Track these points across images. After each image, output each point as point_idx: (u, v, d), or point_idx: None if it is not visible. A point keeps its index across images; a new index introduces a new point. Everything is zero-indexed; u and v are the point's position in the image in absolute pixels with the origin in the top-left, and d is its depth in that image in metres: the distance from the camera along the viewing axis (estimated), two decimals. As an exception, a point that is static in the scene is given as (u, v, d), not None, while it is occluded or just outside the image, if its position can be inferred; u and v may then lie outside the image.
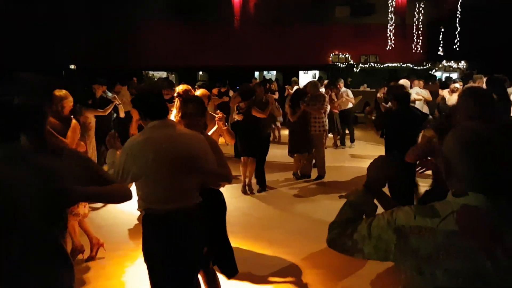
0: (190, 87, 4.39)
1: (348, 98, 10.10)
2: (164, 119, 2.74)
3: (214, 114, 4.44)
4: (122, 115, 8.27)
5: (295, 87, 11.06)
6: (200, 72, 19.81)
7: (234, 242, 3.91)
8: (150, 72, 17.83)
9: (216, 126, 4.22)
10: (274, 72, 21.34)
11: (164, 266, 2.65)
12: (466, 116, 2.74)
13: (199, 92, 4.49)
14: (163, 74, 18.61)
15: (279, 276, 4.08)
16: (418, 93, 9.58)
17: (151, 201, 2.65)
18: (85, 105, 7.12)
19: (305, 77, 18.92)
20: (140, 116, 2.80)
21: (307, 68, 20.03)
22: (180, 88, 4.23)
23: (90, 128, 7.15)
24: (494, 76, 6.58)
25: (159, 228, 2.64)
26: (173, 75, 18.16)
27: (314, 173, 7.63)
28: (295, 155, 7.50)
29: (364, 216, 1.59)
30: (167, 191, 2.64)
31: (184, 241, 2.65)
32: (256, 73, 20.83)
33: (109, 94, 8.15)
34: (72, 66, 17.28)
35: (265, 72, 21.43)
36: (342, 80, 10.46)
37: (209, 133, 4.00)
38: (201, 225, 2.77)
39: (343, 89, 10.12)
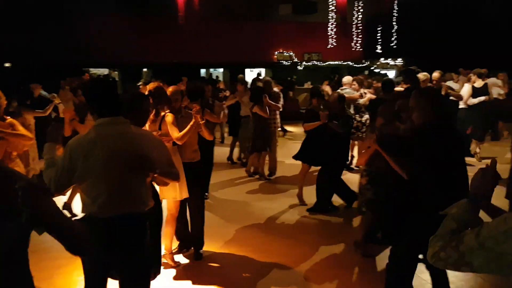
0: (161, 84, 4.22)
1: None
2: (116, 116, 2.57)
3: (189, 111, 4.22)
4: (62, 114, 7.93)
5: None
6: (145, 69, 19.31)
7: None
8: (91, 69, 17.10)
9: (193, 121, 3.95)
10: (221, 70, 21.25)
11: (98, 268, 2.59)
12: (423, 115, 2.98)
13: (170, 88, 4.25)
14: (105, 71, 17.96)
15: (238, 272, 4.10)
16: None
17: (99, 204, 2.46)
18: (24, 105, 6.74)
19: (251, 75, 19.04)
20: (90, 111, 2.71)
21: (253, 66, 20.15)
22: (151, 85, 4.08)
23: (30, 130, 6.76)
24: (408, 68, 6.94)
25: (102, 234, 2.43)
26: (116, 72, 17.55)
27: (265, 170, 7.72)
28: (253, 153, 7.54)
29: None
30: (118, 194, 2.50)
31: (126, 247, 2.53)
32: (203, 70, 20.64)
33: (45, 93, 7.78)
34: (7, 64, 16.27)
35: (211, 70, 21.28)
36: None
37: (186, 130, 3.93)
38: (146, 232, 2.65)
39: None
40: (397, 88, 7.03)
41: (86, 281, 2.63)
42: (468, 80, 9.14)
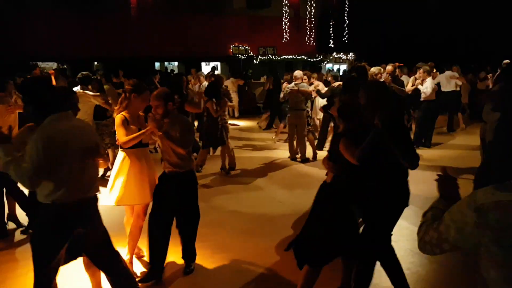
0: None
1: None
2: (67, 111, 2.87)
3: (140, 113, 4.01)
4: None
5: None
6: (95, 63, 18.70)
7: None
8: (40, 63, 16.34)
9: (146, 129, 3.67)
10: (176, 63, 20.96)
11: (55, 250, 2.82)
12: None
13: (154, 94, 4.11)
14: (53, 65, 17.22)
15: (198, 269, 4.12)
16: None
17: (69, 190, 2.75)
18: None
19: (207, 69, 18.95)
20: (36, 107, 2.82)
21: (208, 60, 20.02)
22: (131, 81, 3.94)
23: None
24: (358, 64, 7.25)
25: (66, 218, 2.78)
26: (65, 66, 16.86)
27: (218, 165, 7.74)
28: (201, 149, 7.54)
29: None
30: (80, 181, 2.83)
31: (83, 227, 2.89)
32: (157, 64, 20.27)
33: None
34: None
35: (166, 63, 20.94)
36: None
37: (134, 135, 3.70)
38: (98, 214, 3.05)
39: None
40: None
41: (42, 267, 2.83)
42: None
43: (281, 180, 7.22)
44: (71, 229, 2.82)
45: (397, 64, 9.03)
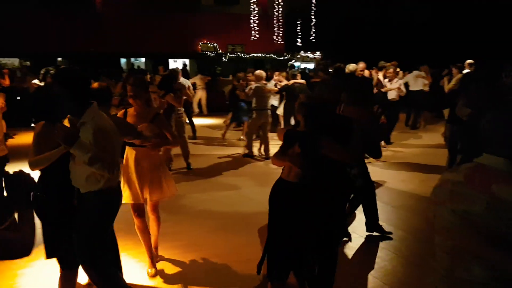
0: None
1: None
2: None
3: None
4: None
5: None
6: (59, 59, 18.15)
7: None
8: (1, 60, 15.73)
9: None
10: (143, 60, 20.62)
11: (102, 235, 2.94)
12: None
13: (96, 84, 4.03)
14: (15, 61, 16.64)
15: (170, 268, 4.12)
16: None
17: (115, 176, 2.86)
18: None
19: (175, 65, 18.78)
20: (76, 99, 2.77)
21: (176, 56, 19.82)
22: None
23: None
24: (338, 65, 7.48)
25: (113, 202, 2.98)
26: (27, 63, 16.32)
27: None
28: None
29: None
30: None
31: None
32: (123, 60, 19.90)
33: None
34: None
35: (132, 59, 20.57)
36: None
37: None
38: None
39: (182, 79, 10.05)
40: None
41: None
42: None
43: (252, 177, 7.28)
44: (115, 214, 3.00)
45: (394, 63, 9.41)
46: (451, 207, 1.64)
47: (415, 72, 11.29)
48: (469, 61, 9.25)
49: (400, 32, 15.56)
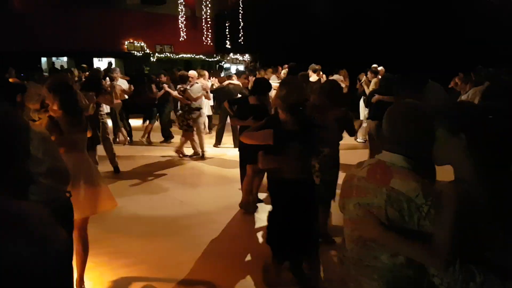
0: None
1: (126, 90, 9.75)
2: None
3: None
4: None
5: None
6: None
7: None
8: None
9: None
10: (65, 59, 19.51)
11: None
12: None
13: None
14: None
15: (95, 278, 3.94)
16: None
17: None
18: None
19: (100, 65, 18.02)
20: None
21: (101, 55, 19.01)
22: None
23: None
24: (293, 64, 7.78)
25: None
26: None
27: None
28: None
29: None
30: None
31: None
32: (43, 59, 18.71)
33: None
34: None
35: (53, 59, 19.39)
36: (118, 70, 10.02)
37: None
38: None
39: (120, 80, 9.71)
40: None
41: None
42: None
43: (182, 179, 7.16)
44: None
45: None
46: (356, 200, 1.79)
47: (336, 76, 11.79)
48: (380, 67, 10.17)
49: (321, 37, 16.19)
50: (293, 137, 3.18)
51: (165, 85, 9.31)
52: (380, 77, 9.94)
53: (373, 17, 15.07)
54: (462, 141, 1.53)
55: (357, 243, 1.79)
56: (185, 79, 8.33)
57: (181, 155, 8.51)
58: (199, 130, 8.47)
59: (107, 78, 9.30)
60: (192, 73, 8.69)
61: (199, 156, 8.49)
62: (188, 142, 8.44)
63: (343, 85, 11.70)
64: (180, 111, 8.38)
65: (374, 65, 10.26)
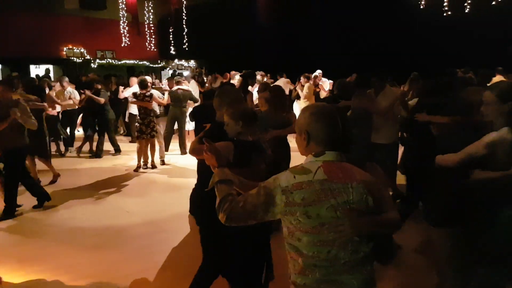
0: None
1: (73, 99, 9.53)
2: None
3: None
4: None
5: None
6: None
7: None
8: None
9: None
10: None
11: None
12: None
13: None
14: None
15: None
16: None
17: None
18: None
19: (38, 72, 17.17)
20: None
21: (38, 62, 18.11)
22: None
23: None
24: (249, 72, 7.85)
25: None
26: None
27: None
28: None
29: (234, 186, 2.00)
30: None
31: None
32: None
33: None
34: None
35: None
36: (67, 78, 9.77)
37: None
38: None
39: (69, 89, 9.49)
40: None
41: None
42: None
43: (129, 189, 6.96)
44: None
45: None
46: (328, 203, 1.77)
47: (283, 80, 12.05)
48: (318, 71, 10.94)
49: (264, 44, 16.48)
50: (253, 148, 3.02)
51: (87, 91, 8.89)
52: (311, 82, 10.49)
53: (316, 23, 15.51)
54: (507, 108, 2.56)
55: (332, 245, 1.79)
56: (91, 85, 8.42)
57: (145, 166, 8.13)
58: (160, 135, 8.33)
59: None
60: (148, 78, 8.56)
61: (155, 166, 8.23)
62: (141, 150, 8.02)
63: (291, 87, 11.98)
64: (139, 119, 7.86)
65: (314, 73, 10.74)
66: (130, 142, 10.68)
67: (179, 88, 9.15)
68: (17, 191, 5.66)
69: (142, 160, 8.02)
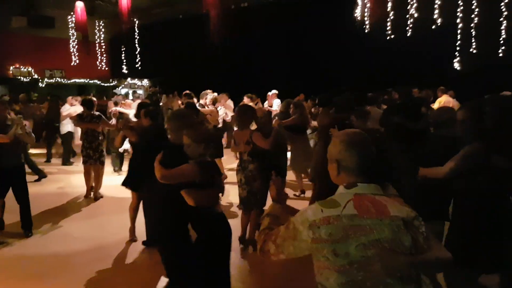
0: None
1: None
2: None
3: None
4: None
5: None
6: None
7: None
8: None
9: None
10: None
11: None
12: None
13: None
14: None
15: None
16: None
17: None
18: None
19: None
20: None
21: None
22: None
23: None
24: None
25: None
26: None
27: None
28: None
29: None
30: None
31: None
32: None
33: None
34: None
35: None
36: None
37: None
38: None
39: None
40: None
41: None
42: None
43: (76, 213, 6.70)
44: None
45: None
46: (358, 241, 1.62)
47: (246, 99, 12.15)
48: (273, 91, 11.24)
49: (217, 63, 16.62)
50: (214, 169, 3.13)
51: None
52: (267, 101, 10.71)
53: (266, 43, 15.82)
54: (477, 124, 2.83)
55: (363, 285, 1.63)
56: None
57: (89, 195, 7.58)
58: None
59: None
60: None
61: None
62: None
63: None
64: (86, 142, 7.27)
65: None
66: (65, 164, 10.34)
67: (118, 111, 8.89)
68: None
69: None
